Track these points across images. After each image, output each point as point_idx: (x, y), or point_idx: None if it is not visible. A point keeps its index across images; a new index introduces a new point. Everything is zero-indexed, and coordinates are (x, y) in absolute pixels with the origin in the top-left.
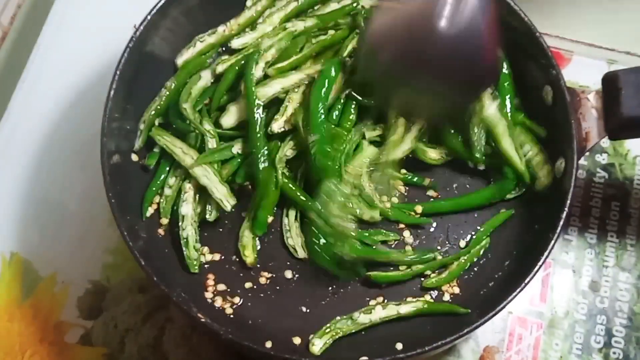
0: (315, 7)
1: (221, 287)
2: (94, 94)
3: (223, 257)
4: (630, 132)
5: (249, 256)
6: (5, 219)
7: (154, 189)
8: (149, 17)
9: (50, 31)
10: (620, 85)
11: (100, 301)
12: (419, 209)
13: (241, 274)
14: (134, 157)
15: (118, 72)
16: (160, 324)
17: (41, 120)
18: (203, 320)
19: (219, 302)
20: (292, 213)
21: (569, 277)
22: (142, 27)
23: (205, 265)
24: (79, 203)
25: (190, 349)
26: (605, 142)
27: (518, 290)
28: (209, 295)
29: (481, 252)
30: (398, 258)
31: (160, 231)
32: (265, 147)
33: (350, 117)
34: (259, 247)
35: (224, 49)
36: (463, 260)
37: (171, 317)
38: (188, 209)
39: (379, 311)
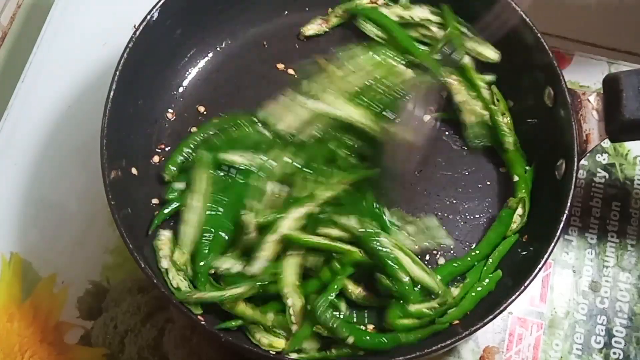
0: None
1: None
2: (94, 94)
3: None
4: (631, 134)
5: None
6: (5, 219)
7: (165, 211)
8: (148, 17)
9: (50, 31)
10: (622, 87)
11: (100, 302)
12: None
13: None
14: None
15: (118, 73)
16: (160, 324)
17: (41, 120)
18: (203, 322)
19: None
20: None
21: (569, 277)
22: (141, 28)
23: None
24: (79, 203)
25: (190, 349)
26: (606, 143)
27: (519, 292)
28: None
29: (494, 285)
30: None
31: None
32: None
33: None
34: None
35: None
36: (473, 295)
37: (171, 318)
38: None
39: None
